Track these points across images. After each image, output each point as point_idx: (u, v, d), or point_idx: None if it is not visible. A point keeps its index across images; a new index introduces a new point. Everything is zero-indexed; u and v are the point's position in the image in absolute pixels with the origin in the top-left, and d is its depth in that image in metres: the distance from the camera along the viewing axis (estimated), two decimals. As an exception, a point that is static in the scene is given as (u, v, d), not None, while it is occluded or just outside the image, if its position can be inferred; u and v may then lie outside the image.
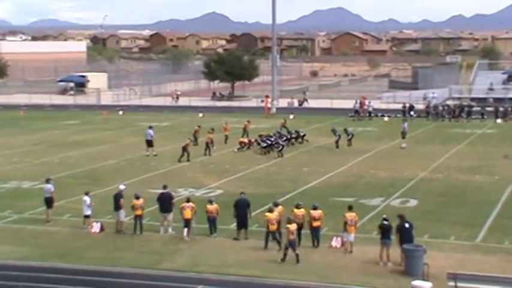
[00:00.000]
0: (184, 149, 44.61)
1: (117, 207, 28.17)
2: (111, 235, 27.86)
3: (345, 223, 25.55)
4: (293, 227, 24.54)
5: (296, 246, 24.47)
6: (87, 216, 28.84)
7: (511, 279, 20.51)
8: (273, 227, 25.61)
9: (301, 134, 52.18)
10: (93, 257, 24.96)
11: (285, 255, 24.31)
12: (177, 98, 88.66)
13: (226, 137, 51.68)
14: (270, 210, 26.20)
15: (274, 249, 25.47)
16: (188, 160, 44.13)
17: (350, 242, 25.56)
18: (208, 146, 46.89)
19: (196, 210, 27.36)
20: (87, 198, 28.98)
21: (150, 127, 48.24)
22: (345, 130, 50.78)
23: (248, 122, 54.42)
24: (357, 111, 69.11)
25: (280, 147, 46.33)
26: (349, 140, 50.26)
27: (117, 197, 28.46)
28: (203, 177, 39.58)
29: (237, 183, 37.10)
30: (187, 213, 27.10)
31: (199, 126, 51.96)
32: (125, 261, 24.52)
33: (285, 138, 49.18)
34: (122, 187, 29.39)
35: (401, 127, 52.09)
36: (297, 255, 24.21)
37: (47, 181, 30.86)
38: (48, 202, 30.15)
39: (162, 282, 22.29)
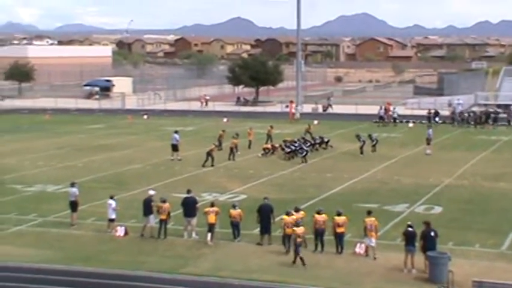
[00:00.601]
0: (209, 154, 44.69)
1: (148, 212, 28.19)
2: (135, 239, 27.95)
3: (365, 228, 25.54)
4: (300, 230, 24.78)
5: (300, 250, 24.54)
6: (111, 220, 28.95)
7: (537, 288, 20.31)
8: (289, 230, 25.70)
9: (325, 140, 52.06)
10: (117, 261, 25.05)
11: (295, 257, 24.52)
12: (206, 102, 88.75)
13: (250, 142, 51.71)
14: (287, 214, 26.29)
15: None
16: (212, 165, 44.20)
17: (372, 246, 25.50)
18: (232, 151, 46.96)
19: (219, 215, 27.37)
20: (112, 202, 29.09)
21: (176, 131, 48.37)
22: (369, 136, 50.64)
23: (271, 127, 54.37)
24: (381, 117, 68.87)
25: (304, 153, 46.26)
26: (374, 145, 50.13)
27: (147, 202, 28.50)
28: (227, 182, 39.62)
29: (260, 189, 37.09)
30: (212, 218, 27.12)
31: (223, 131, 52.05)
32: (148, 265, 24.58)
33: (309, 143, 49.11)
34: (151, 192, 29.43)
35: (426, 133, 51.81)
36: (302, 259, 24.35)
37: (72, 185, 31.03)
38: (73, 206, 30.31)
39: (186, 287, 22.31)
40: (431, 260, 23.00)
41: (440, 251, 23.64)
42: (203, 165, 44.24)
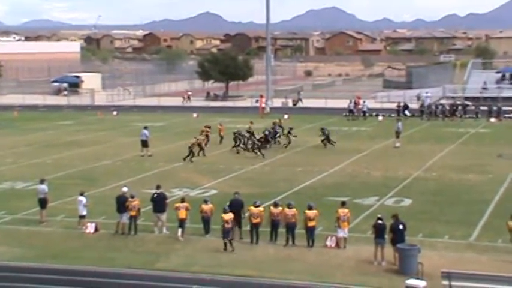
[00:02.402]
0: (191, 148, 44.62)
1: (121, 209, 28.06)
2: (105, 235, 27.84)
3: (338, 218, 25.76)
4: (228, 216, 25.59)
5: (231, 235, 25.53)
6: (82, 217, 28.81)
7: (504, 278, 20.58)
8: (256, 221, 26.19)
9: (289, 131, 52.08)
10: (87, 258, 24.94)
11: (225, 244, 25.46)
12: (189, 98, 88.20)
13: (222, 138, 51.62)
14: (254, 205, 26.60)
15: (266, 247, 25.56)
16: (191, 160, 44.09)
17: (344, 237, 25.72)
18: (201, 146, 46.63)
19: (190, 211, 27.34)
20: (82, 199, 28.94)
21: (146, 127, 48.22)
22: (322, 129, 50.72)
23: (251, 122, 53.89)
24: (351, 111, 69.18)
25: (251, 145, 46.40)
26: (326, 139, 50.02)
27: (121, 199, 28.35)
28: (197, 177, 39.59)
29: (231, 183, 37.12)
30: (182, 213, 27.11)
31: (208, 127, 51.17)
32: (119, 261, 24.52)
33: (260, 136, 48.99)
34: (124, 189, 29.29)
35: (395, 126, 52.15)
36: (231, 243, 25.43)
37: (41, 182, 30.80)
38: (42, 203, 30.09)
39: (157, 283, 22.30)
40: (401, 252, 23.21)
41: (410, 243, 23.86)
42: (184, 159, 44.11)
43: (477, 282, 20.51)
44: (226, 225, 25.60)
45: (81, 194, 29.19)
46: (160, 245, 26.52)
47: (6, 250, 26.02)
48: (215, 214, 27.19)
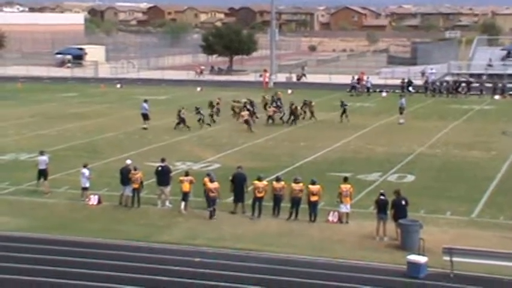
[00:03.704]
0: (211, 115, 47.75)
1: (125, 181, 28.09)
2: (108, 208, 27.93)
3: (340, 194, 25.78)
4: (214, 185, 26.18)
5: (216, 204, 26.18)
6: (85, 189, 28.87)
7: (505, 254, 20.63)
8: (260, 195, 26.24)
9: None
10: (90, 229, 25.04)
11: (210, 211, 26.17)
12: (201, 72, 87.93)
13: (218, 111, 51.43)
14: (258, 179, 26.58)
15: (268, 221, 25.65)
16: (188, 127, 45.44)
17: (346, 213, 25.78)
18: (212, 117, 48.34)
19: (194, 184, 27.34)
20: (85, 171, 28.97)
21: (145, 100, 48.32)
22: (342, 102, 51.03)
23: (264, 97, 54.92)
24: (353, 87, 69.02)
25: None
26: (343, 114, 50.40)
27: (125, 171, 28.37)
28: (201, 151, 39.61)
29: (234, 158, 37.13)
30: (186, 187, 27.12)
31: (219, 99, 52.14)
32: (122, 233, 24.60)
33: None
34: (128, 162, 29.30)
35: (399, 103, 52.04)
36: (214, 210, 26.14)
37: (41, 153, 30.84)
38: (44, 174, 30.16)
39: (159, 255, 22.38)
40: (403, 228, 23.26)
41: (412, 219, 23.90)
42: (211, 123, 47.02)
43: (478, 258, 20.57)
44: (211, 194, 26.11)
45: (85, 166, 29.22)
46: (163, 217, 26.59)
47: (9, 220, 26.12)
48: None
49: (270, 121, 48.54)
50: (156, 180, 28.45)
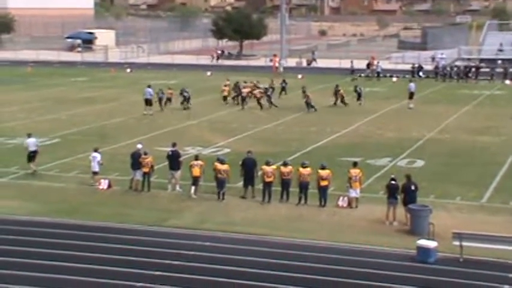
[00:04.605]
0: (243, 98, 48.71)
1: (135, 166, 28.15)
2: (118, 192, 28.02)
3: (350, 178, 25.77)
4: (223, 167, 26.51)
5: (225, 186, 26.48)
6: (95, 173, 28.96)
7: (516, 240, 20.65)
8: (269, 180, 26.30)
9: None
10: (100, 214, 25.15)
11: (219, 193, 26.61)
12: (218, 57, 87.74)
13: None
14: (267, 164, 26.63)
15: (278, 206, 25.70)
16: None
17: (355, 197, 25.80)
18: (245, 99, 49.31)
19: (204, 169, 27.39)
20: (97, 155, 29.00)
21: (149, 86, 48.41)
22: (355, 87, 51.48)
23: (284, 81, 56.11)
24: (353, 71, 69.08)
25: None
26: (358, 99, 50.61)
27: (135, 155, 28.43)
28: (210, 135, 39.66)
29: (244, 142, 37.15)
30: (196, 171, 27.16)
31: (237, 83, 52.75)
32: (132, 218, 24.70)
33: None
34: (139, 146, 29.39)
35: (408, 87, 51.89)
36: (223, 194, 26.52)
37: (29, 136, 31.16)
38: (34, 156, 30.58)
39: (169, 239, 22.46)
40: (413, 213, 23.27)
41: (421, 204, 23.90)
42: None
43: (488, 243, 20.59)
44: (220, 175, 26.26)
45: (95, 150, 29.26)
46: (173, 202, 26.67)
47: (19, 205, 26.25)
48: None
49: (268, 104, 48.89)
50: (168, 165, 28.50)
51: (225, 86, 51.97)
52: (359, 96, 50.79)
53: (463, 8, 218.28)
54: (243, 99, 49.34)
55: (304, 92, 49.45)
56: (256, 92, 49.39)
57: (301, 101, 49.12)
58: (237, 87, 51.35)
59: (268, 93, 49.94)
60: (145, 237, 22.72)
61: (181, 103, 48.38)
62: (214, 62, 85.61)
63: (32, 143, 30.90)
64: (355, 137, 39.48)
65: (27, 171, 31.00)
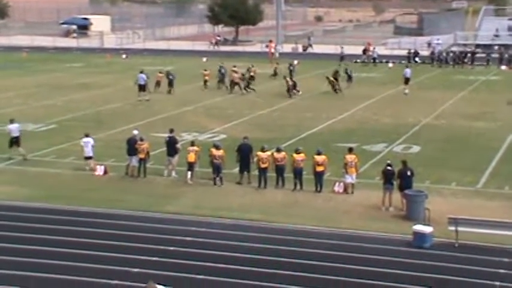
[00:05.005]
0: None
1: (131, 151, 28.14)
2: (114, 178, 28.01)
3: (345, 164, 25.79)
4: (218, 152, 26.68)
5: (221, 171, 26.70)
6: (89, 158, 28.95)
7: (510, 224, 20.69)
8: (264, 166, 26.34)
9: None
10: (96, 199, 25.14)
11: (215, 179, 26.68)
12: (217, 43, 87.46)
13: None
14: (262, 150, 26.66)
15: (274, 192, 25.74)
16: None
17: (351, 183, 25.83)
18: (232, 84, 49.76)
19: (200, 155, 27.38)
20: (90, 140, 29.02)
21: (142, 71, 48.35)
22: (346, 71, 52.23)
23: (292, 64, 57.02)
24: (342, 58, 68.96)
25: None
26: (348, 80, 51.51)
27: (131, 141, 28.41)
28: (206, 121, 39.63)
29: (240, 128, 37.15)
30: (191, 157, 27.16)
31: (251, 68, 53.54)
32: (128, 203, 24.70)
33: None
34: (135, 132, 29.37)
35: (404, 73, 51.86)
36: (221, 179, 26.70)
37: (11, 121, 31.19)
38: (18, 141, 30.60)
39: (165, 225, 22.48)
40: (409, 198, 23.31)
41: (417, 189, 23.94)
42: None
43: (484, 228, 20.64)
44: (215, 161, 26.43)
45: (87, 136, 29.25)
46: (169, 188, 26.68)
47: (16, 190, 26.24)
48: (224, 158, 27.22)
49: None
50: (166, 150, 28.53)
51: (205, 70, 52.52)
52: (349, 78, 51.35)
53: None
54: (235, 83, 49.41)
55: (286, 78, 49.55)
56: (235, 76, 49.79)
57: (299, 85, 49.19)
58: (220, 72, 52.00)
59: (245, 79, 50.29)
60: (140, 222, 22.73)
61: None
62: (214, 47, 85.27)
63: (14, 128, 30.98)
64: (351, 123, 39.48)
65: (10, 156, 30.80)
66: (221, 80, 51.51)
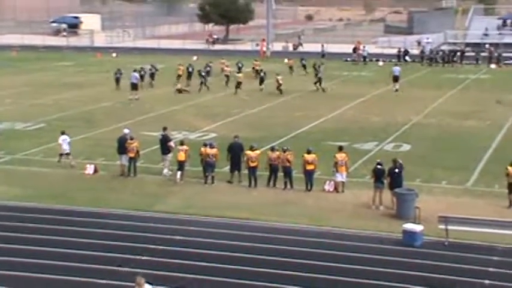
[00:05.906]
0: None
1: (122, 150, 28.09)
2: (104, 177, 27.95)
3: (336, 163, 25.79)
4: (212, 151, 26.76)
5: (214, 170, 26.81)
6: (67, 154, 29.17)
7: (500, 222, 20.76)
8: (253, 164, 26.39)
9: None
10: (86, 199, 25.07)
11: (207, 177, 26.78)
12: (213, 42, 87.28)
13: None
14: (251, 149, 26.69)
15: (264, 190, 25.73)
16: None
17: (342, 182, 25.84)
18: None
19: (189, 154, 27.34)
20: (66, 137, 29.46)
21: (135, 70, 48.26)
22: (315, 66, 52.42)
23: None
24: (323, 55, 68.92)
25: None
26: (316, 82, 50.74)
27: (122, 140, 28.37)
28: (197, 120, 39.58)
29: (230, 127, 37.10)
30: (181, 156, 27.13)
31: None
32: (118, 203, 24.63)
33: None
34: (126, 131, 29.32)
35: (392, 70, 51.83)
36: (213, 178, 26.77)
37: None
38: None
39: (155, 224, 22.44)
40: (399, 197, 23.35)
41: (407, 188, 23.98)
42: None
43: (473, 227, 20.68)
44: (209, 159, 26.47)
45: (63, 133, 29.58)
46: (159, 187, 26.64)
47: (5, 190, 26.13)
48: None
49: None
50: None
51: (180, 65, 53.29)
52: (316, 75, 50.96)
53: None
54: (239, 83, 49.20)
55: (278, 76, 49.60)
56: (239, 75, 50.06)
57: (287, 85, 49.10)
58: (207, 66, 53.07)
59: (203, 73, 50.32)
60: (130, 222, 22.69)
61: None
62: (209, 46, 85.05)
63: None
64: (341, 122, 39.50)
65: (13, 156, 30.85)
66: (189, 77, 51.99)
